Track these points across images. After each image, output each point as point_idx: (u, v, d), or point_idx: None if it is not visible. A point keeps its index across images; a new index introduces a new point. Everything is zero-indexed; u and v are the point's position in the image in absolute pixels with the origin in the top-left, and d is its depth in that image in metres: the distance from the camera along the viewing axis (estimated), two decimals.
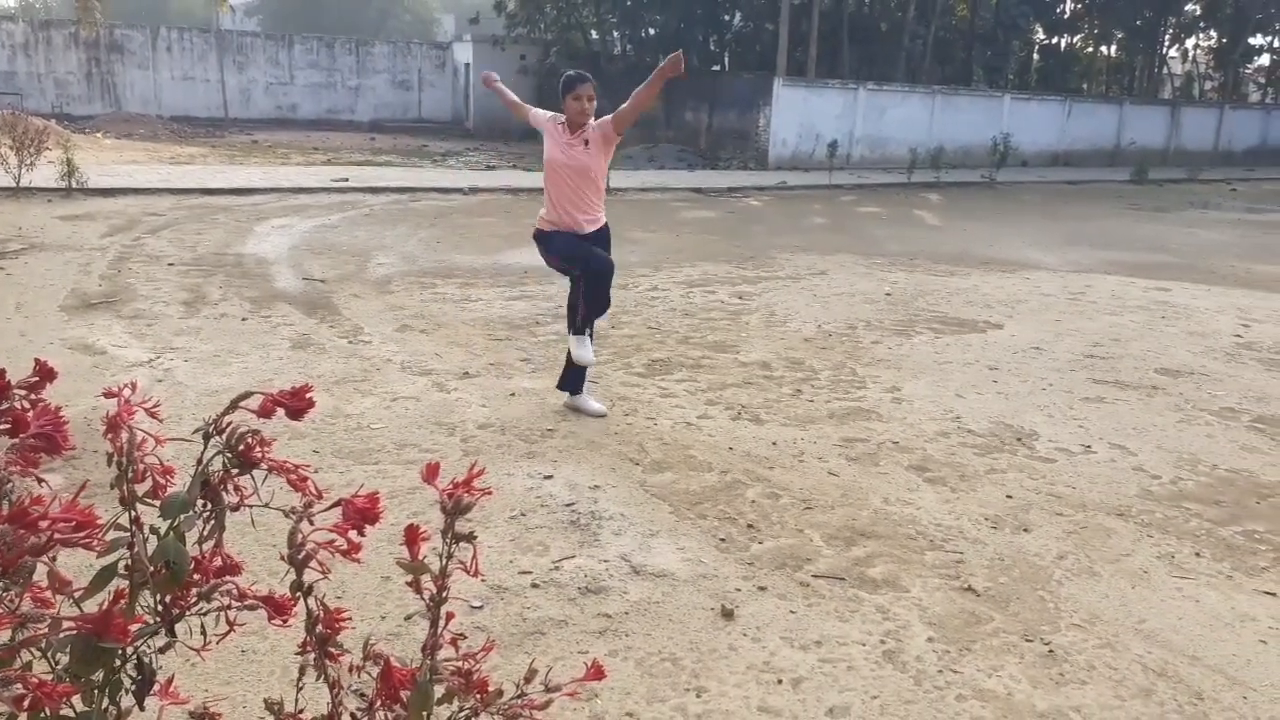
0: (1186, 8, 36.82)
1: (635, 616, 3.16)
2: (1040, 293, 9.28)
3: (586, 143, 4.87)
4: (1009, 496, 4.30)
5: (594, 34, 30.48)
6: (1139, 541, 3.88)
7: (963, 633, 3.14)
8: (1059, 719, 2.70)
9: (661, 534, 3.77)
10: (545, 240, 5.08)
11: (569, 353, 5.12)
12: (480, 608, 3.15)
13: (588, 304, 5.00)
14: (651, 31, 29.72)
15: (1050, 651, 3.06)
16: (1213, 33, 39.45)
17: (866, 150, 24.81)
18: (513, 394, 5.47)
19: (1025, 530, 3.95)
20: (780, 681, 2.84)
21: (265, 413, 1.21)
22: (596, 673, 1.42)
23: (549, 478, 4.27)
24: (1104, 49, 40.52)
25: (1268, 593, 3.49)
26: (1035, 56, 38.88)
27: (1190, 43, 41.70)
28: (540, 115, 5.17)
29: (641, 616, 3.16)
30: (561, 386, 5.22)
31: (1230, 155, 31.75)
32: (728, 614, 3.20)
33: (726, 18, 30.08)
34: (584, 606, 3.20)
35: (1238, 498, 4.37)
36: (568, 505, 3.98)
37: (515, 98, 5.55)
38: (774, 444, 4.83)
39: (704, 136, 26.41)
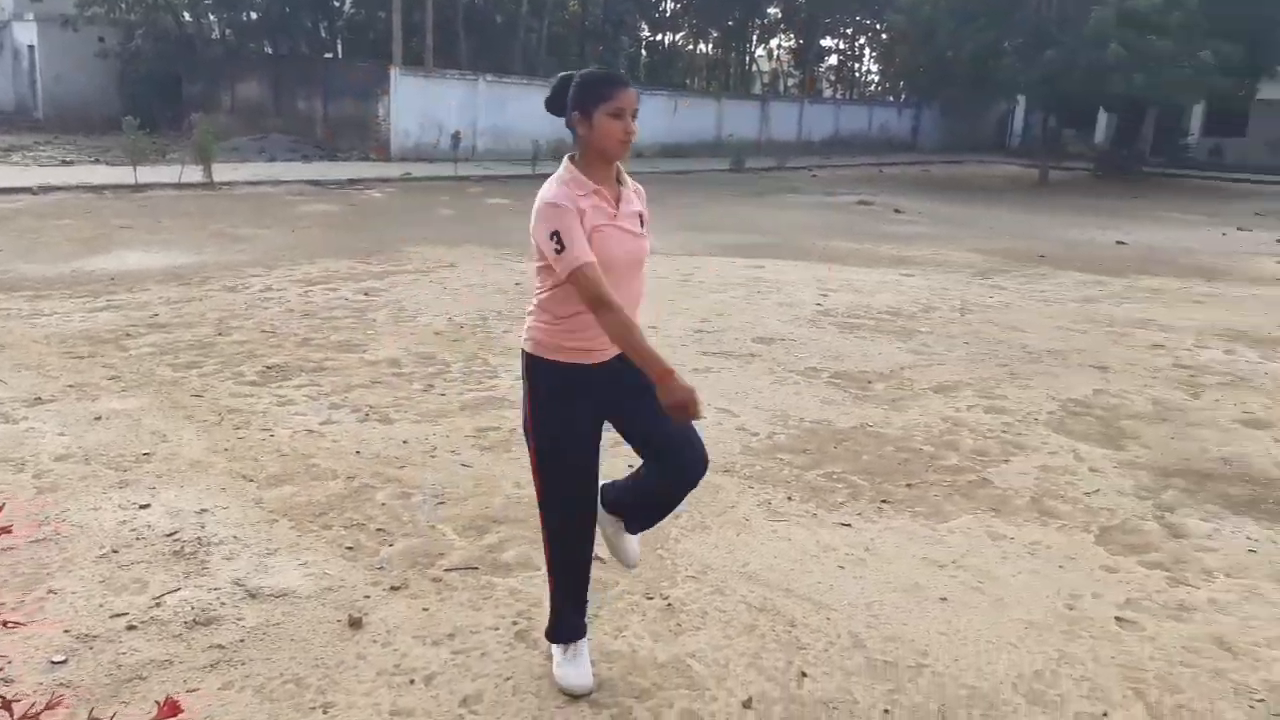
0: (769, 11, 41.06)
1: (253, 643, 2.94)
2: (654, 276, 9.89)
3: (641, 217, 2.74)
4: (630, 466, 4.53)
5: (186, 15, 27.91)
6: (742, 493, 4.27)
7: (590, 600, 3.26)
8: (677, 666, 2.90)
9: (281, 552, 3.54)
10: (570, 382, 2.69)
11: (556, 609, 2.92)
12: (63, 662, 2.77)
13: (645, 513, 2.95)
14: (254, 15, 27.78)
15: (669, 605, 3.27)
16: (791, 35, 44.43)
17: (491, 141, 25.04)
18: (99, 417, 4.87)
19: None
20: (412, 681, 2.79)
21: None
22: (171, 709, 1.29)
23: (145, 507, 3.85)
24: (703, 47, 44.20)
25: (844, 524, 3.99)
26: (644, 53, 41.48)
27: (774, 43, 46.71)
28: (566, 206, 2.52)
29: (260, 641, 2.95)
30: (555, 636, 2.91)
31: (811, 145, 35.88)
32: (355, 623, 3.08)
33: (337, 3, 28.91)
34: (192, 641, 2.93)
35: (820, 445, 4.96)
36: (169, 535, 3.62)
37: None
38: (405, 442, 4.73)
39: (320, 126, 25.22)
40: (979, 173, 30.43)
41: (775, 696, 2.78)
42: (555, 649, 2.85)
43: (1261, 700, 2.85)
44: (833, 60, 47.73)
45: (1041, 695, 2.83)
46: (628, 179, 2.70)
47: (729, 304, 8.54)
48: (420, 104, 23.66)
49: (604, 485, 2.93)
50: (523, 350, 2.77)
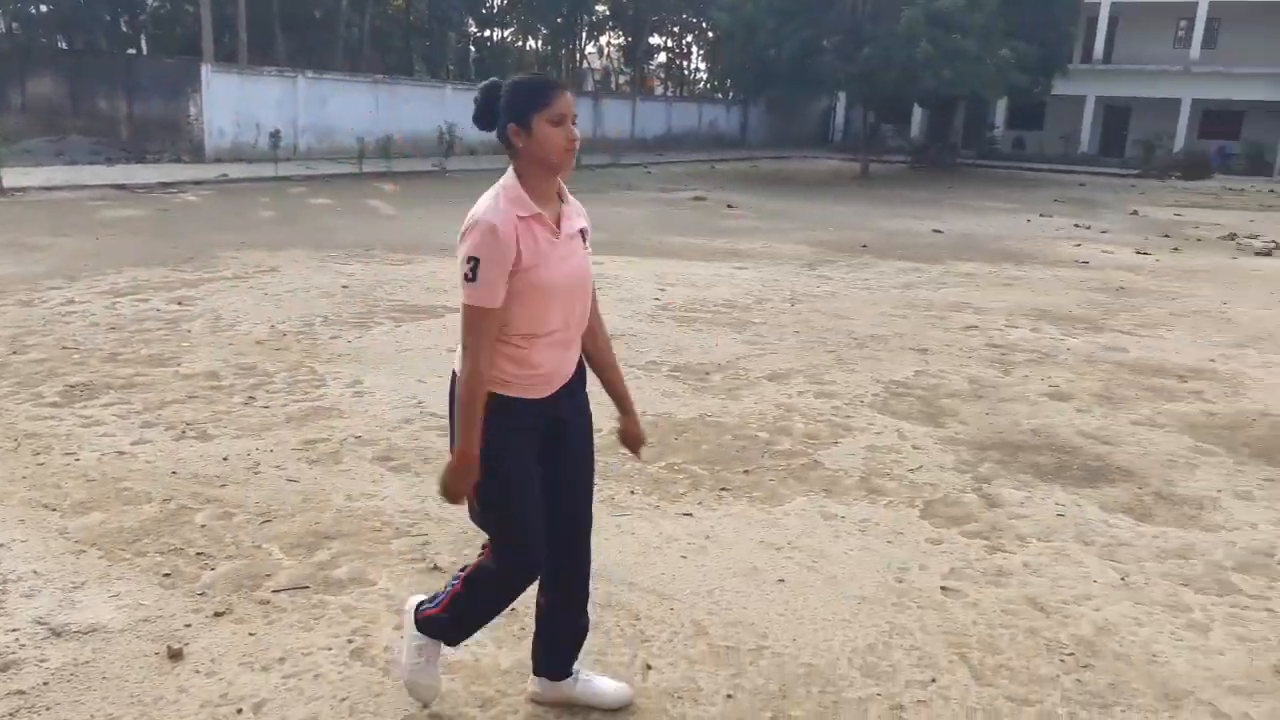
0: (598, 8, 41.27)
1: (58, 685, 2.71)
2: None
3: (584, 233, 2.52)
4: None
5: None
6: None
7: None
8: (522, 672, 2.85)
9: (89, 584, 3.28)
10: (523, 424, 2.45)
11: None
12: None
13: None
14: (44, 8, 25.74)
15: (512, 609, 3.19)
16: (620, 32, 44.81)
17: (314, 140, 24.10)
18: None
19: None
20: (240, 711, 2.63)
21: None
22: None
23: None
24: (532, 43, 43.98)
25: (686, 514, 4.04)
26: (472, 49, 40.91)
27: (604, 40, 47.01)
28: (501, 237, 2.29)
29: (66, 683, 2.72)
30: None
31: (644, 142, 36.32)
32: (175, 654, 2.88)
33: None
34: None
35: (661, 437, 5.00)
36: None
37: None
38: (225, 459, 4.47)
39: (125, 126, 23.64)
40: (804, 168, 31.58)
41: None
42: (413, 647, 2.62)
43: (1071, 654, 3.06)
44: (662, 58, 48.49)
45: (875, 667, 2.94)
46: (569, 196, 2.48)
47: None
48: (235, 102, 22.52)
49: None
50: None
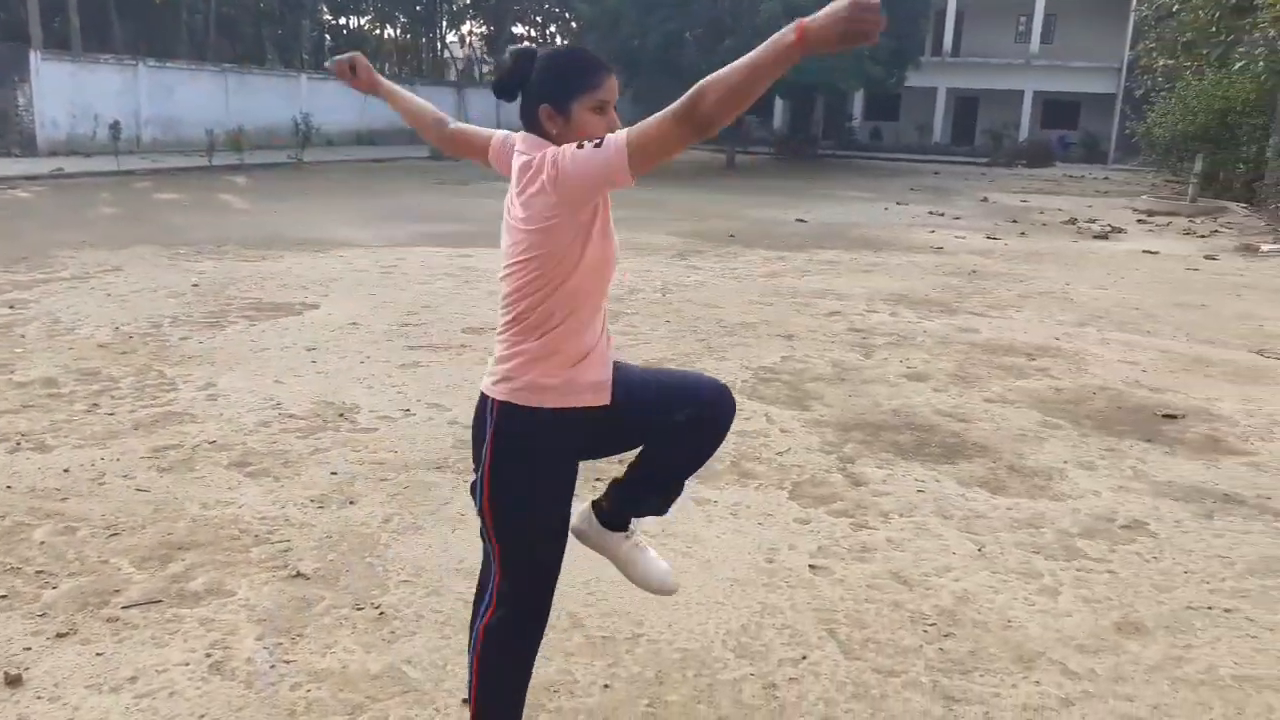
0: None
1: None
2: (354, 269, 9.49)
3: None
4: (334, 473, 4.30)
5: None
6: (457, 489, 4.16)
7: (294, 620, 3.05)
8: (393, 675, 2.77)
9: None
10: (589, 406, 2.11)
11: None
12: None
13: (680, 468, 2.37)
14: None
15: (381, 614, 3.12)
16: (482, 21, 44.20)
17: (158, 132, 22.91)
18: None
19: (351, 503, 3.99)
20: None
21: None
22: None
23: None
24: (391, 31, 42.89)
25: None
26: (327, 37, 39.59)
27: (465, 29, 46.23)
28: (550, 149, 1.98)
29: None
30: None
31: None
32: (14, 680, 2.68)
33: None
34: None
35: None
36: None
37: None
38: (66, 471, 4.19)
39: None
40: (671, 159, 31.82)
41: None
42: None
43: (933, 624, 3.18)
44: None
45: (748, 647, 2.99)
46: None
47: (437, 295, 8.34)
48: (70, 92, 21.17)
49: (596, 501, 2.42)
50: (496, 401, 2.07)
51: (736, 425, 5.12)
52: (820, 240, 13.21)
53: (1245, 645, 3.09)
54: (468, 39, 47.05)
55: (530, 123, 2.06)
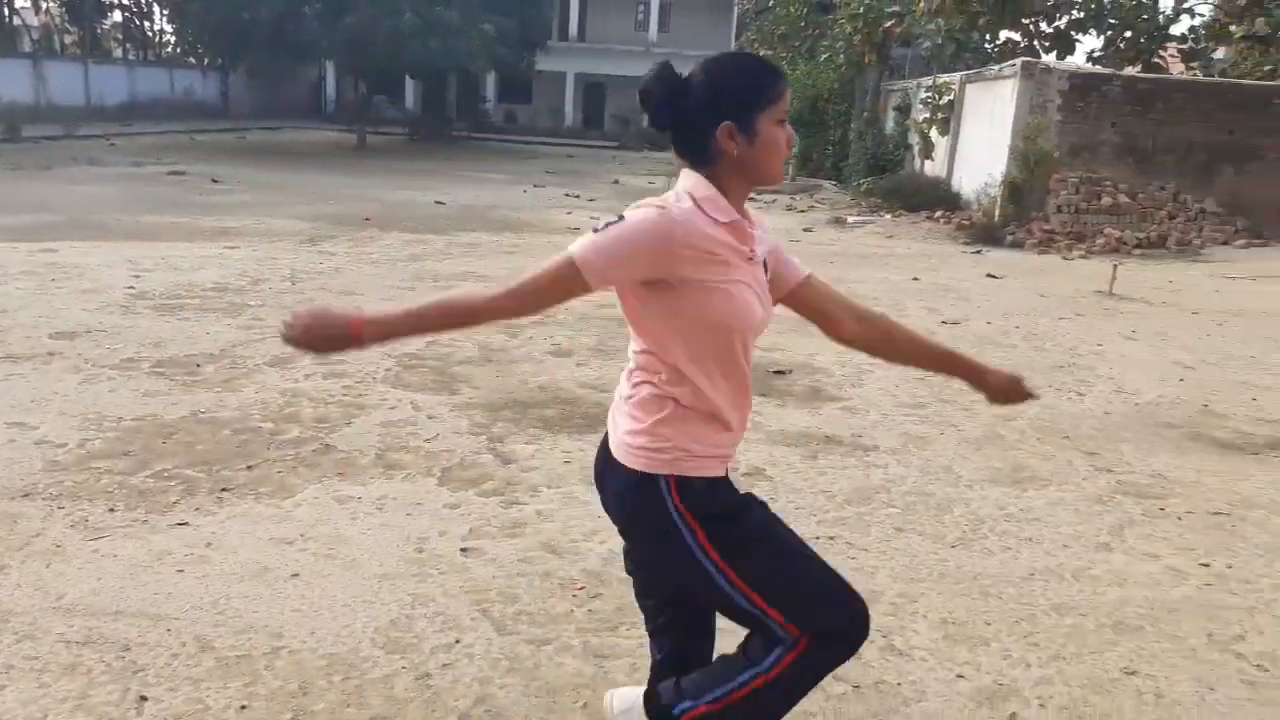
0: None
1: None
2: None
3: (765, 264, 1.97)
4: None
5: None
6: (49, 517, 3.63)
7: None
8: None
9: None
10: (722, 502, 1.97)
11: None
12: None
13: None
14: None
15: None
16: None
17: None
18: None
19: None
20: None
21: None
22: None
23: None
24: None
25: (181, 524, 3.63)
26: None
27: None
28: (673, 234, 1.74)
29: None
30: None
31: (104, 110, 32.03)
32: None
33: None
34: None
35: (146, 443, 4.44)
36: None
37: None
38: None
39: None
40: (297, 139, 30.21)
41: None
42: None
43: (582, 588, 3.27)
44: (117, 16, 43.01)
45: (399, 641, 2.89)
46: (750, 211, 1.90)
47: (13, 297, 7.23)
48: None
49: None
50: (641, 474, 1.96)
51: (380, 416, 4.99)
52: (461, 223, 13.14)
53: (845, 565, 3.49)
54: (44, 4, 41.16)
55: (695, 146, 1.83)
